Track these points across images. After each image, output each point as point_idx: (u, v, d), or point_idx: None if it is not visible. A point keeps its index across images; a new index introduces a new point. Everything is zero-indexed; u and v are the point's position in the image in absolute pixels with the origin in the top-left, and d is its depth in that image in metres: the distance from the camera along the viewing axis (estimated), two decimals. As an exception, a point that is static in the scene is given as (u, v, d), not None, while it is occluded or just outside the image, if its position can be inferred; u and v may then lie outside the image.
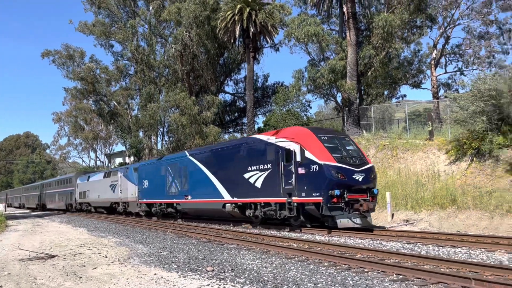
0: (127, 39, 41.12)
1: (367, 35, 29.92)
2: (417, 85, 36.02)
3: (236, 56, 40.85)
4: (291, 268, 8.67)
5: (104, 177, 33.87)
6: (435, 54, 34.66)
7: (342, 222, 13.78)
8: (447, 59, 36.33)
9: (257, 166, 16.56)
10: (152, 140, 44.53)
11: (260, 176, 16.36)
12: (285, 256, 10.08)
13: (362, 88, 30.97)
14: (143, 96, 40.51)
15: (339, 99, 31.44)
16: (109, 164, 64.83)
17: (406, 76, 34.04)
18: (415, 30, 31.27)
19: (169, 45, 39.45)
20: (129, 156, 47.96)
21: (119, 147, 69.12)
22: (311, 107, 58.15)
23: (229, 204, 18.16)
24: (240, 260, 9.88)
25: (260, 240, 13.01)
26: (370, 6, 31.48)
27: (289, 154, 15.00)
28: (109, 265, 9.92)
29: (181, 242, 13.76)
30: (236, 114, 46.88)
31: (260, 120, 45.48)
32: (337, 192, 13.61)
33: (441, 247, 10.61)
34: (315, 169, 14.00)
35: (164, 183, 23.74)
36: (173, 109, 37.89)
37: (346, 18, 27.56)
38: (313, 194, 14.01)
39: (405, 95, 37.95)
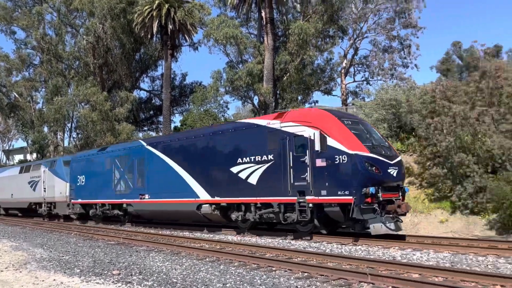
0: (32, 26, 37.93)
1: (284, 41, 30.89)
2: (328, 92, 37.93)
3: (153, 53, 39.70)
4: (201, 269, 8.65)
5: (20, 172, 28.93)
6: (345, 63, 36.81)
7: (376, 227, 11.11)
8: (355, 68, 38.74)
9: (252, 158, 13.58)
10: (58, 136, 41.56)
11: (256, 170, 13.43)
12: (196, 257, 10.04)
13: (278, 92, 31.87)
14: (49, 88, 37.61)
15: (256, 101, 32.05)
16: (7, 161, 59.24)
17: (319, 83, 35.69)
18: (328, 39, 32.95)
19: (80, 36, 37.17)
20: (31, 153, 44.34)
21: (19, 143, 63.50)
22: (228, 108, 58.39)
23: (207, 205, 14.90)
24: (149, 262, 9.63)
25: (172, 242, 12.80)
26: (288, 13, 32.52)
27: (302, 141, 12.28)
28: (1, 271, 9.09)
29: (86, 245, 13.04)
30: (151, 112, 45.58)
31: (177, 119, 44.76)
32: (372, 190, 11.07)
33: (344, 245, 11.30)
34: (343, 160, 11.42)
35: (110, 179, 19.85)
36: (83, 104, 35.78)
37: (264, 23, 28.24)
38: (339, 193, 11.38)
39: (317, 101, 39.66)
